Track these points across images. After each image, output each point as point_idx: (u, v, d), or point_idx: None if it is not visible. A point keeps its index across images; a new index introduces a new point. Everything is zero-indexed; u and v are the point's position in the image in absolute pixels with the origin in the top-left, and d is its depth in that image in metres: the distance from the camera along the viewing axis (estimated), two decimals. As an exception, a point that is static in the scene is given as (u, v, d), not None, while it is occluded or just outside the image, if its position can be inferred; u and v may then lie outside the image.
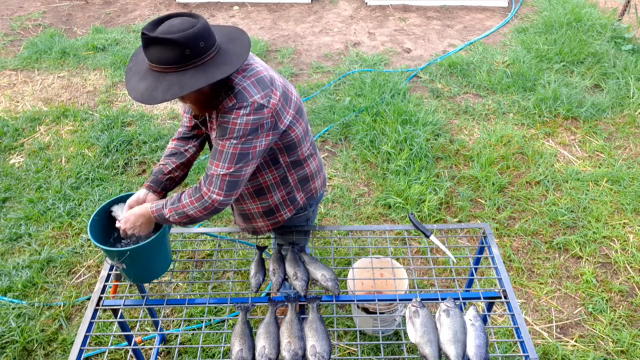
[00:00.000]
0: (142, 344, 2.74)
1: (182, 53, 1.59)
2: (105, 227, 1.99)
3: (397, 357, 1.80)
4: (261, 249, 2.16)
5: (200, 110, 1.82)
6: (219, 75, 1.62)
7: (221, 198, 1.78)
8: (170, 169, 2.03)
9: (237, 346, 1.75)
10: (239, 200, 2.06)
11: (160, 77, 1.62)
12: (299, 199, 2.09)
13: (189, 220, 1.83)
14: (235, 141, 1.72)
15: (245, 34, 1.79)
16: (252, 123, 1.72)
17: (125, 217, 1.90)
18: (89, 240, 3.31)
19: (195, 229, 2.35)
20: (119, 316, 2.00)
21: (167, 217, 1.83)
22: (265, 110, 1.74)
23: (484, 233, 2.24)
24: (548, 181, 3.67)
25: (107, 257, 2.01)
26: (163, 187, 2.01)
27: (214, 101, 1.76)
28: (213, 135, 1.87)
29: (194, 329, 2.83)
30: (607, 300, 2.93)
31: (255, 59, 1.85)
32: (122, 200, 2.05)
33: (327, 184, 3.72)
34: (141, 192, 1.97)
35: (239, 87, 1.72)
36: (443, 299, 1.92)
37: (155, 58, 1.61)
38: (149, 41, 1.59)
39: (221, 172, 1.75)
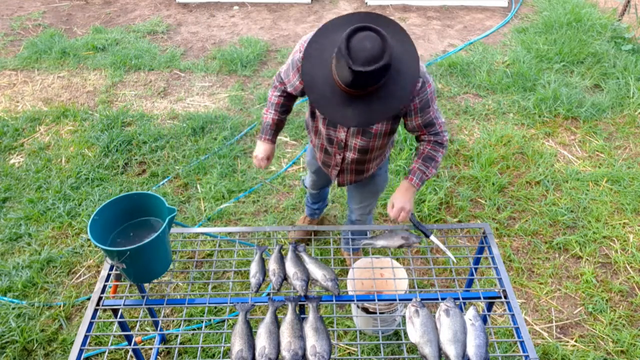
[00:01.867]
0: (142, 344, 2.74)
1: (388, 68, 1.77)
2: (105, 227, 1.99)
3: (397, 357, 1.80)
4: (261, 248, 2.16)
5: None
6: (411, 71, 1.86)
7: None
8: (283, 126, 2.42)
9: (237, 346, 1.75)
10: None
11: (365, 100, 1.82)
12: None
13: None
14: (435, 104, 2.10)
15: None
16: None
17: (400, 207, 2.16)
18: (89, 240, 3.31)
19: (195, 229, 2.35)
20: (119, 316, 2.00)
21: (428, 178, 2.20)
22: None
23: (484, 233, 2.24)
24: (548, 181, 3.67)
25: (107, 257, 2.01)
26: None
27: None
28: None
29: (193, 329, 2.83)
30: (607, 300, 2.93)
31: None
32: (123, 200, 2.04)
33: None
34: (267, 146, 2.36)
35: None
36: (443, 299, 1.92)
37: (368, 83, 1.76)
38: (366, 72, 1.70)
39: (443, 120, 2.15)
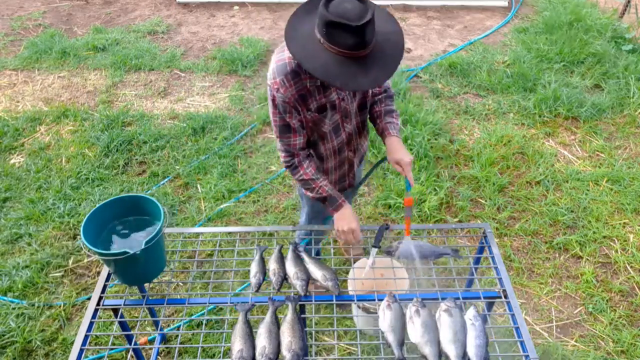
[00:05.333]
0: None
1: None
2: (98, 227, 1.99)
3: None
4: (261, 248, 2.16)
5: None
6: (398, 32, 1.88)
7: None
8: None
9: (237, 346, 1.75)
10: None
11: (371, 59, 1.78)
12: None
13: None
14: None
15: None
16: None
17: (410, 159, 2.07)
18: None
19: (195, 229, 2.35)
20: (119, 316, 2.00)
21: (399, 127, 2.24)
22: None
23: (484, 233, 2.24)
24: (548, 181, 3.67)
25: (104, 262, 2.00)
26: None
27: None
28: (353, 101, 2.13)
29: (193, 323, 2.83)
30: (607, 300, 2.93)
31: None
32: (121, 201, 2.04)
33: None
34: (350, 210, 2.18)
35: None
36: (443, 299, 1.92)
37: (369, 40, 1.74)
38: (364, 26, 1.68)
39: None
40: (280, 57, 1.94)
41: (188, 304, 2.04)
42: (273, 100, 1.96)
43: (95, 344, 2.74)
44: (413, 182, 2.10)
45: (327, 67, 1.75)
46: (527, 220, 3.40)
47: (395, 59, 1.82)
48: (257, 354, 1.73)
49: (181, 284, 3.07)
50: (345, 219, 2.15)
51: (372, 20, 1.70)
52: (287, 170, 2.16)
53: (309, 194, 2.17)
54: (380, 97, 2.21)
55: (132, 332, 2.36)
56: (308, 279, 1.99)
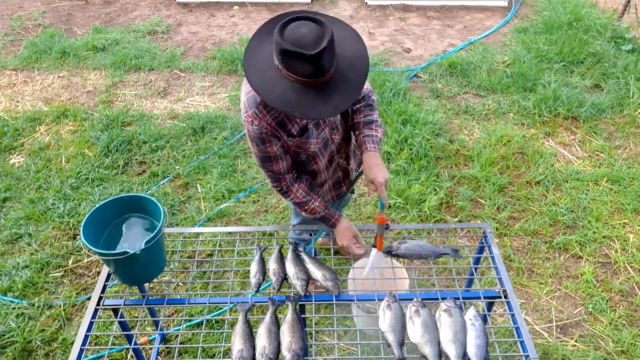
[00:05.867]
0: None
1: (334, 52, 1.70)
2: (98, 228, 1.99)
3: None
4: (261, 248, 2.16)
5: None
6: (363, 55, 1.82)
7: None
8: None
9: (237, 346, 1.75)
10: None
11: (332, 85, 1.71)
12: None
13: None
14: None
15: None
16: None
17: (384, 179, 2.01)
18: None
19: (195, 229, 2.35)
20: (119, 316, 2.00)
21: (380, 138, 2.13)
22: None
23: (484, 233, 2.24)
24: (548, 181, 3.67)
25: (104, 262, 2.01)
26: None
27: None
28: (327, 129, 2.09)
29: (194, 326, 2.83)
30: (607, 300, 2.93)
31: None
32: (120, 201, 2.04)
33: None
34: (346, 224, 2.22)
35: None
36: (443, 299, 1.92)
37: (326, 67, 1.67)
38: (320, 54, 1.61)
39: (368, 84, 2.13)
40: (249, 88, 1.89)
41: (188, 304, 2.04)
42: (249, 133, 1.91)
43: (95, 344, 2.74)
44: (386, 201, 2.06)
45: (286, 96, 1.69)
46: (527, 220, 3.41)
47: (358, 85, 1.76)
48: (257, 354, 1.73)
49: (181, 284, 3.07)
50: (342, 234, 2.19)
51: (329, 46, 1.63)
52: (278, 194, 2.12)
53: (303, 213, 2.17)
54: (359, 106, 2.12)
55: (132, 332, 2.36)
56: (308, 279, 1.99)
